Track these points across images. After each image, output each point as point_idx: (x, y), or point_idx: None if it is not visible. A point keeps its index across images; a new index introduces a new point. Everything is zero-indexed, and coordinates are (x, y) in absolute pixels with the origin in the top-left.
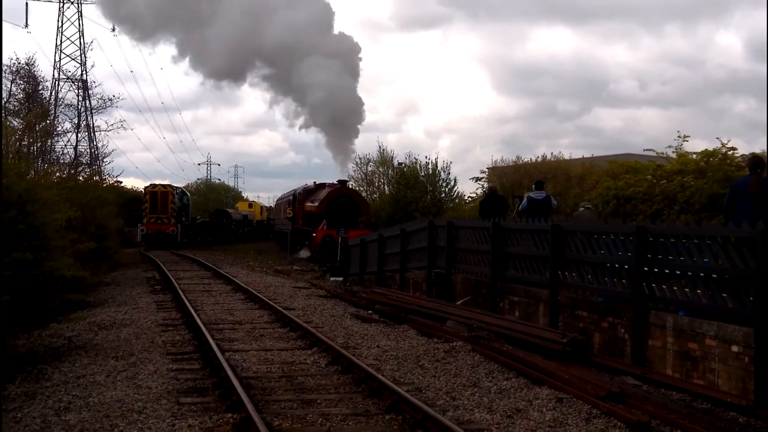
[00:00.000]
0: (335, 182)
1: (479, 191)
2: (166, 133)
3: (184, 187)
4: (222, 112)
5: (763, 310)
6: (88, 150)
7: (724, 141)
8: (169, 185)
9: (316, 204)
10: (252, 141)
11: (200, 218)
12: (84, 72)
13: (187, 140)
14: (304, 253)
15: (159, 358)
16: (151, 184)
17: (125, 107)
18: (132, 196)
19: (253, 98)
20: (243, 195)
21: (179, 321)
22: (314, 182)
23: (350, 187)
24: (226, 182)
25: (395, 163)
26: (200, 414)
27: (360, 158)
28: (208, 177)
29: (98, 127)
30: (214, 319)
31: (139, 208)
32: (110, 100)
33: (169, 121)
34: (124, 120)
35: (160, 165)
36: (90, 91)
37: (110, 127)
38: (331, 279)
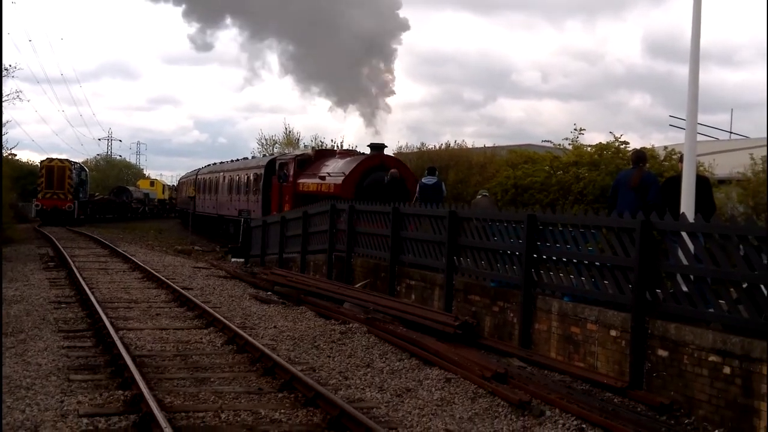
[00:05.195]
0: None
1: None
2: (65, 106)
3: (82, 162)
4: (124, 85)
5: (639, 297)
6: None
7: (617, 135)
8: (67, 160)
9: (337, 181)
10: (155, 117)
11: (99, 195)
12: None
13: (87, 114)
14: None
15: (50, 336)
16: (47, 159)
17: (21, 77)
18: (27, 170)
19: (154, 71)
20: (145, 173)
21: (73, 299)
22: (312, 148)
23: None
24: (127, 159)
25: (302, 146)
26: (91, 391)
27: (266, 139)
28: (109, 153)
29: None
30: (109, 297)
31: (34, 183)
32: (6, 69)
33: (68, 93)
34: (20, 90)
35: (58, 138)
36: None
37: (5, 98)
38: (232, 260)
